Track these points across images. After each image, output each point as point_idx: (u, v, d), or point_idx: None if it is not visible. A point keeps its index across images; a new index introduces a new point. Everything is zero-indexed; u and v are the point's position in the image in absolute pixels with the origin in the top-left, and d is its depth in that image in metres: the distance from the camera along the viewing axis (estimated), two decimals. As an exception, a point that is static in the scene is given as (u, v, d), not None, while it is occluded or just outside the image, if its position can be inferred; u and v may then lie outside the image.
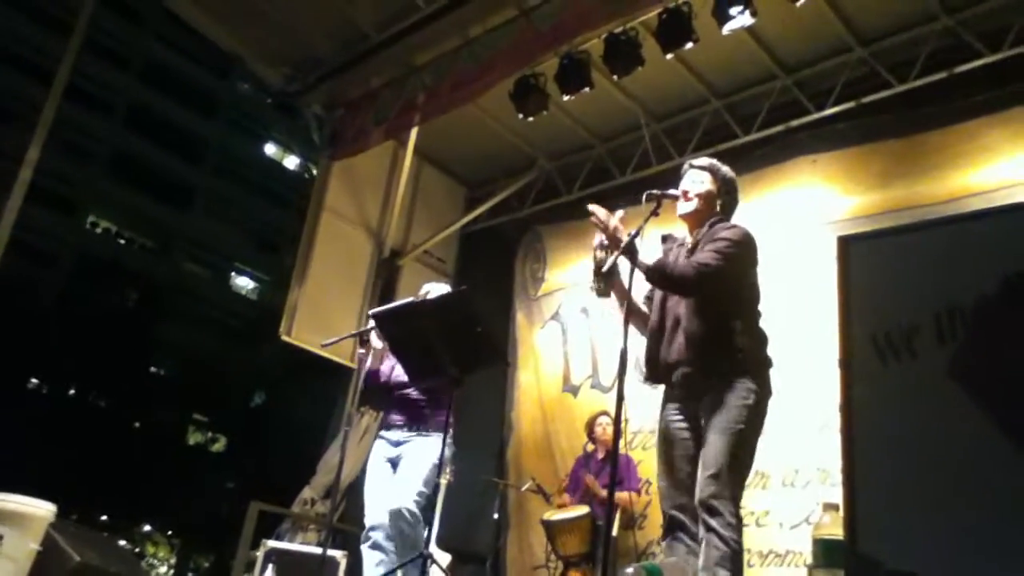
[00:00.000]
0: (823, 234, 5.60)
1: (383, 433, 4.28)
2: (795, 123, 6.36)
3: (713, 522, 2.84)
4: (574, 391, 7.14)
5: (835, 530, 2.30)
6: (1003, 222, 1.51)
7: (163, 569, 24.47)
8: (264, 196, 29.94)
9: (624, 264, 3.11)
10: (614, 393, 3.17)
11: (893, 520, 1.48)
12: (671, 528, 3.06)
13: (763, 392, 3.06)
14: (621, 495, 5.42)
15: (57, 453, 18.64)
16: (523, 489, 6.27)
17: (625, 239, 3.09)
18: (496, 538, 6.61)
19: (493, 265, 8.13)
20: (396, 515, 3.82)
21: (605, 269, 3.09)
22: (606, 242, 3.16)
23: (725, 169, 3.43)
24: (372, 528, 4.00)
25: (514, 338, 7.76)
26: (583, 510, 5.48)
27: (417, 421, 4.10)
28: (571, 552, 5.44)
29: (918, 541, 1.45)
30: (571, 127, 7.50)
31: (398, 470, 4.05)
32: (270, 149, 32.33)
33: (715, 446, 2.94)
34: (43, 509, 3.88)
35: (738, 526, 2.88)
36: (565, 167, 7.95)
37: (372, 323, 3.90)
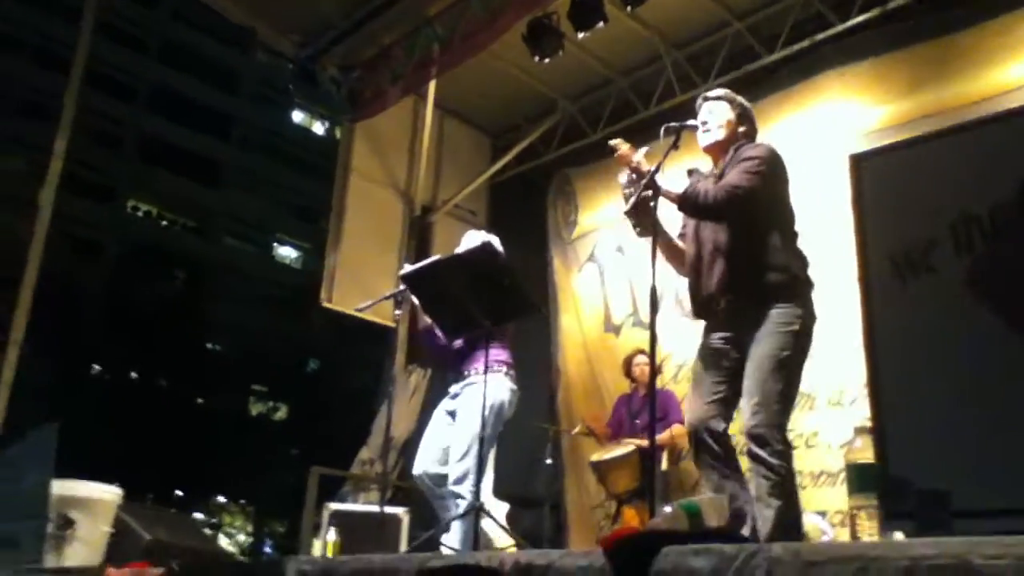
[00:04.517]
0: (857, 146, 5.44)
1: (447, 389, 4.27)
2: (819, 36, 6.16)
3: (761, 452, 2.85)
4: (616, 331, 7.14)
5: (867, 453, 2.28)
6: (1015, 125, 1.45)
7: (241, 537, 25.35)
8: (296, 164, 30.10)
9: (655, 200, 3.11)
10: (657, 328, 3.20)
11: (923, 439, 1.46)
12: (698, 449, 3.07)
13: (808, 316, 3.03)
14: (664, 435, 5.44)
15: (127, 436, 19.29)
16: (574, 432, 6.33)
17: (648, 170, 3.09)
18: (553, 482, 6.69)
19: (525, 213, 8.09)
20: (434, 476, 3.87)
21: (630, 205, 3.08)
22: (633, 177, 3.15)
23: (740, 98, 3.37)
24: (419, 478, 4.05)
25: (553, 284, 7.76)
26: (630, 447, 5.50)
27: (468, 369, 4.07)
28: (622, 489, 5.49)
29: (950, 458, 1.43)
30: (590, 65, 7.36)
31: (455, 424, 4.06)
32: (297, 117, 32.40)
33: (759, 374, 2.93)
34: (111, 493, 4.05)
35: (786, 452, 2.89)
36: (588, 106, 7.83)
37: (403, 284, 3.93)
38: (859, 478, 2.42)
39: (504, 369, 3.98)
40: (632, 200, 3.06)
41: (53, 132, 6.98)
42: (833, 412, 5.30)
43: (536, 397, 7.24)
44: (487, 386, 3.69)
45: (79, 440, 17.49)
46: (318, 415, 21.81)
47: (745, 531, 2.90)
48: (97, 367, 22.96)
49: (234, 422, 23.75)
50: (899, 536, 1.55)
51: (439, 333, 4.13)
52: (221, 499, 24.99)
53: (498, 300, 3.56)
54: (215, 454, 21.30)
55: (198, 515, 24.93)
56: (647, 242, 3.17)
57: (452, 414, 4.10)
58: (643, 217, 3.10)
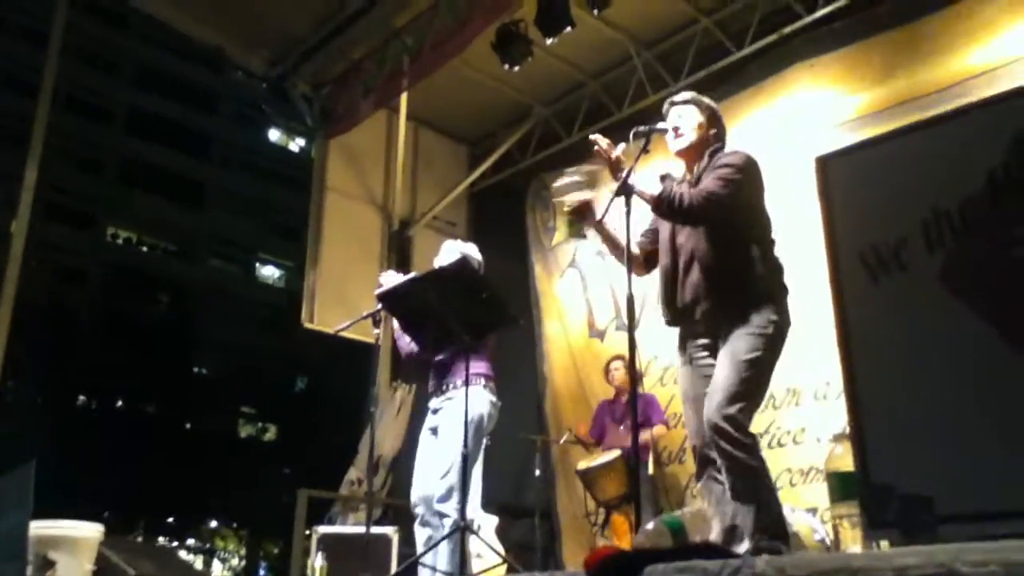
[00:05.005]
0: (833, 137, 5.48)
1: (429, 404, 4.20)
2: (788, 30, 6.17)
3: (727, 446, 2.80)
4: (600, 336, 7.10)
5: (847, 460, 2.24)
6: (979, 118, 1.42)
7: (235, 561, 25.13)
8: (275, 182, 29.94)
9: (615, 205, 3.10)
10: (639, 332, 3.17)
11: (903, 443, 1.42)
12: (702, 466, 3.03)
13: (782, 320, 3.00)
14: (645, 435, 5.41)
15: (116, 464, 19.09)
16: (561, 441, 6.29)
17: (626, 168, 3.07)
18: (544, 492, 6.64)
19: (505, 221, 8.05)
20: (429, 500, 3.81)
21: (570, 206, 3.13)
22: (572, 181, 3.19)
23: (707, 99, 3.35)
24: (415, 504, 3.99)
25: (535, 290, 7.72)
26: (614, 453, 5.47)
27: (449, 384, 3.99)
28: (610, 496, 5.46)
29: (931, 462, 1.40)
30: (561, 69, 7.35)
31: (437, 441, 3.99)
32: (274, 135, 32.28)
33: (727, 371, 2.89)
34: (91, 530, 3.96)
35: (755, 446, 2.85)
36: (562, 111, 7.81)
37: (379, 304, 3.88)
38: (841, 486, 2.37)
39: (483, 382, 3.91)
40: (572, 204, 3.09)
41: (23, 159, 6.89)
42: (819, 407, 5.28)
43: (524, 406, 7.19)
44: (467, 400, 3.63)
45: (65, 473, 17.39)
46: (308, 434, 21.66)
47: (742, 547, 2.85)
48: (83, 397, 22.74)
49: (223, 445, 23.58)
50: (884, 545, 1.52)
51: (401, 348, 4.09)
52: (214, 524, 24.76)
53: (476, 313, 3.51)
54: (206, 478, 21.11)
55: (191, 541, 24.74)
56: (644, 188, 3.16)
57: (434, 431, 4.04)
58: (583, 218, 3.16)
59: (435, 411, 4.04)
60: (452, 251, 4.15)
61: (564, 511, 6.93)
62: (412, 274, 3.85)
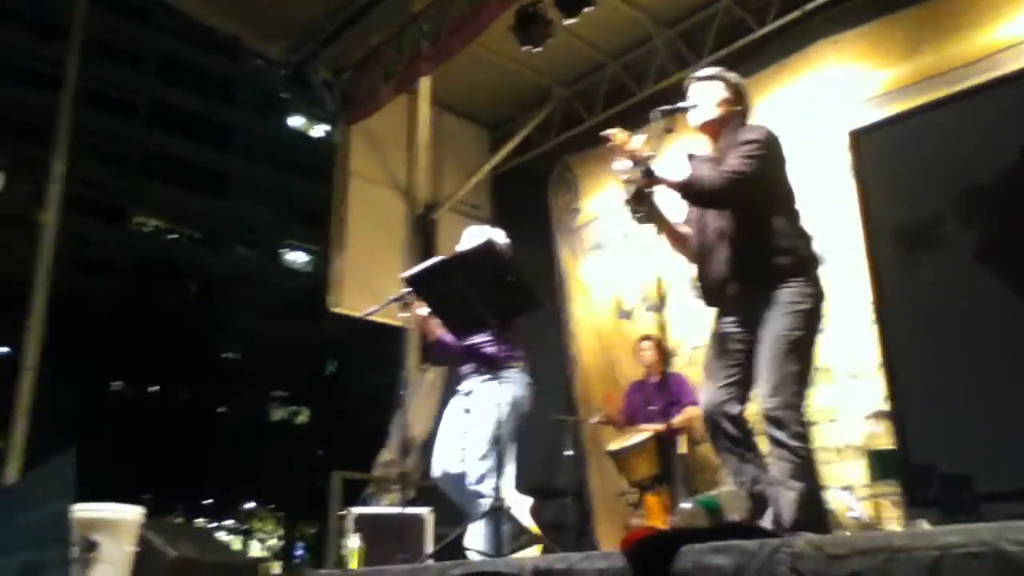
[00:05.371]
0: (859, 113, 5.41)
1: (458, 387, 4.24)
2: (810, 6, 6.07)
3: (780, 434, 2.80)
4: (628, 316, 7.09)
5: (886, 439, 2.22)
6: (1010, 92, 1.39)
7: (272, 541, 25.50)
8: (298, 169, 30.08)
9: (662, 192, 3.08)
10: (667, 312, 3.18)
11: (943, 420, 1.41)
12: (713, 433, 3.04)
13: (817, 294, 2.99)
14: (677, 419, 5.40)
15: (152, 450, 19.40)
16: (592, 422, 6.30)
17: (647, 158, 3.04)
18: (576, 472, 6.66)
19: (528, 203, 8.04)
20: (453, 478, 3.85)
21: (631, 194, 3.03)
22: (629, 165, 3.10)
23: (732, 74, 3.32)
24: (438, 480, 4.03)
25: (561, 272, 7.71)
26: (645, 434, 5.46)
27: (482, 366, 4.05)
28: (642, 476, 5.45)
29: (972, 439, 1.39)
30: (581, 49, 7.30)
31: (471, 422, 4.02)
32: (295, 121, 32.37)
33: (772, 356, 2.89)
34: (132, 512, 4.05)
35: (805, 433, 2.85)
36: (582, 92, 7.77)
37: (406, 287, 3.90)
38: (880, 465, 2.35)
39: (519, 364, 3.95)
40: (630, 190, 3.01)
41: (50, 153, 6.99)
42: (853, 385, 5.22)
43: (553, 388, 7.21)
44: (503, 383, 3.67)
45: (105, 459, 17.71)
46: (339, 417, 21.86)
47: (768, 515, 2.86)
48: (117, 384, 23.09)
49: (256, 429, 23.85)
50: (924, 524, 1.51)
51: (448, 340, 4.10)
52: (250, 506, 25.13)
53: (502, 297, 3.52)
54: (240, 462, 21.39)
55: (229, 522, 25.14)
56: (653, 226, 3.13)
57: (467, 411, 4.07)
58: (643, 205, 3.06)
59: (468, 392, 4.08)
60: (477, 235, 4.15)
61: (596, 491, 6.96)
62: (438, 257, 3.87)
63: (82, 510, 3.87)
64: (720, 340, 3.11)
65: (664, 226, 3.24)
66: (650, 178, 3.04)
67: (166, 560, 4.04)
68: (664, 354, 5.75)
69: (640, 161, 3.04)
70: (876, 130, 1.38)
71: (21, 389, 6.41)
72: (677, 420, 5.37)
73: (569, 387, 7.36)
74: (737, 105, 3.26)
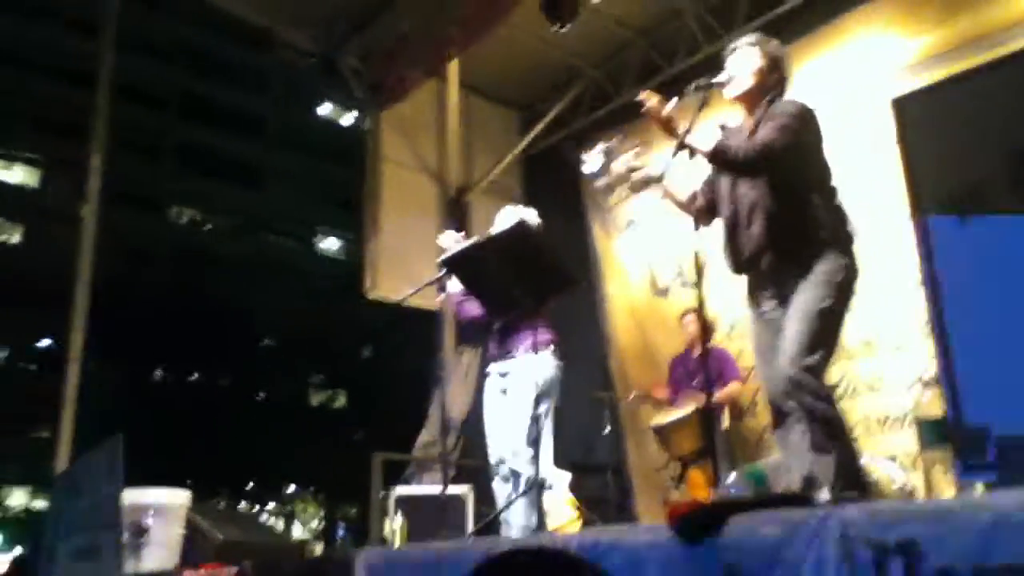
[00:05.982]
0: (898, 82, 5.30)
1: (491, 368, 4.31)
2: (844, -26, 5.96)
3: (807, 399, 2.80)
4: (663, 293, 7.06)
5: (935, 407, 2.19)
6: None
7: (314, 524, 25.92)
8: (330, 157, 30.27)
9: (676, 160, 3.07)
10: (705, 287, 3.18)
11: (995, 385, 1.39)
12: (778, 417, 3.03)
13: (852, 268, 2.97)
14: (722, 394, 5.40)
15: (195, 436, 19.77)
16: (628, 400, 6.31)
17: (680, 128, 3.03)
18: (615, 449, 6.67)
19: (561, 183, 7.99)
20: (508, 454, 3.91)
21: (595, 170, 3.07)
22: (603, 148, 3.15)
23: (773, 43, 3.27)
24: (499, 462, 4.10)
25: (595, 251, 7.68)
26: (689, 408, 5.46)
27: (517, 347, 4.10)
28: (686, 451, 5.45)
29: (1022, 398, 1.36)
30: (610, 27, 7.24)
31: (505, 404, 4.09)
32: (326, 110, 32.53)
33: (799, 323, 2.88)
34: (181, 496, 4.14)
35: (831, 397, 2.85)
36: (612, 70, 7.70)
37: (443, 269, 3.93)
38: (931, 432, 2.31)
39: (551, 347, 4.00)
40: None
41: (89, 148, 7.12)
42: (896, 355, 5.15)
43: (589, 367, 7.21)
44: (537, 365, 3.71)
45: (149, 445, 18.05)
46: (377, 400, 22.08)
47: (820, 498, 2.85)
48: (160, 372, 23.54)
49: (296, 413, 24.20)
50: (979, 489, 1.49)
51: (480, 317, 4.14)
52: (292, 488, 25.53)
53: (538, 278, 3.53)
54: (281, 446, 21.70)
55: (272, 504, 25.59)
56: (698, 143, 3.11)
57: (504, 391, 4.13)
58: (601, 175, 3.11)
59: (503, 374, 4.13)
60: (510, 216, 4.18)
61: (635, 467, 6.97)
62: (474, 238, 3.89)
63: (132, 495, 3.97)
64: (764, 325, 3.10)
65: (670, 196, 3.28)
66: (685, 148, 3.04)
67: (214, 542, 4.14)
68: (707, 328, 5.77)
69: (671, 129, 3.03)
70: (919, 97, 1.34)
71: (66, 380, 6.56)
72: (719, 395, 5.36)
73: (605, 366, 7.35)
74: (773, 74, 3.23)
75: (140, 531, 3.87)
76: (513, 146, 8.18)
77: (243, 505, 23.71)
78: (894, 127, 4.52)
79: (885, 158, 4.93)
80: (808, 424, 2.81)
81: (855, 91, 5.57)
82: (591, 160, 3.18)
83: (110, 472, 4.01)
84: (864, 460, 4.62)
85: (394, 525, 4.48)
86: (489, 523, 3.97)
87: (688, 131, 3.02)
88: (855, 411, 5.23)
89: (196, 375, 23.99)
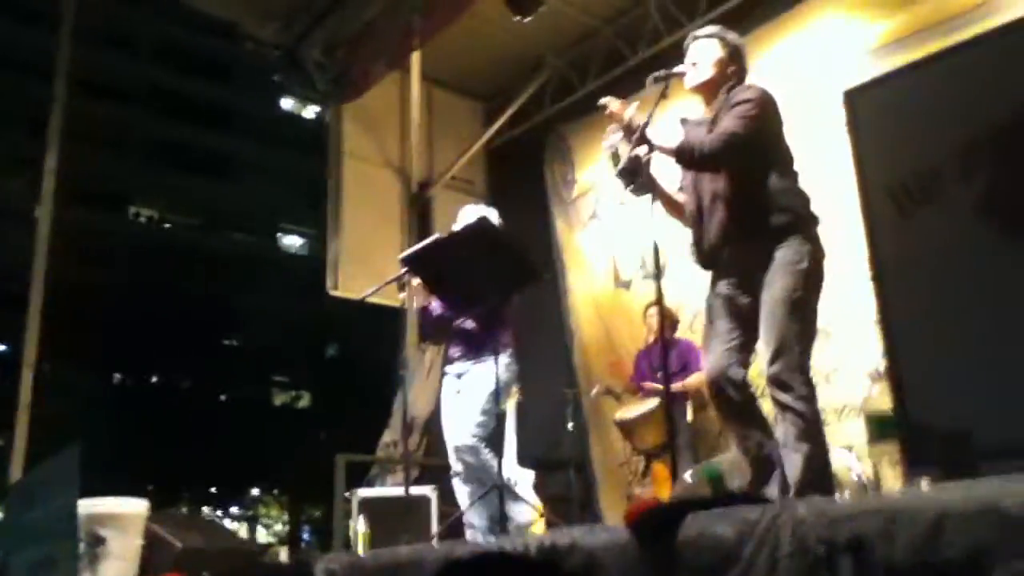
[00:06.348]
0: (859, 67, 5.39)
1: (447, 368, 4.32)
2: (802, -39, 6.00)
3: (786, 397, 2.79)
4: (626, 286, 7.08)
5: (884, 401, 2.19)
6: (1006, 43, 1.35)
7: (279, 526, 25.69)
8: (294, 150, 29.93)
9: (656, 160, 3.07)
10: (667, 280, 3.19)
11: (942, 379, 1.39)
12: (717, 399, 3.03)
13: (816, 250, 2.96)
14: (688, 381, 5.41)
15: (156, 439, 19.48)
16: (593, 394, 6.31)
17: (641, 126, 3.03)
18: (578, 444, 6.67)
19: (523, 176, 7.99)
20: (457, 451, 3.91)
21: (621, 166, 3.03)
22: (619, 136, 3.10)
23: (731, 35, 3.28)
24: (458, 462, 4.10)
25: (558, 245, 7.68)
26: (653, 402, 5.47)
27: (474, 349, 4.12)
28: (650, 445, 5.47)
29: (971, 396, 1.37)
30: (573, 16, 7.22)
31: (459, 402, 4.11)
32: (287, 103, 32.16)
33: (774, 318, 2.86)
34: (138, 506, 4.05)
35: (810, 395, 2.83)
36: (576, 60, 7.67)
37: (404, 267, 3.90)
38: (879, 427, 2.33)
39: (509, 351, 4.02)
40: (622, 162, 3.01)
41: (43, 145, 6.93)
42: (851, 345, 5.21)
43: (552, 361, 7.22)
44: (493, 366, 3.72)
45: (109, 449, 17.76)
46: (341, 399, 21.95)
47: (774, 480, 2.87)
48: (119, 375, 23.15)
49: (260, 413, 23.96)
50: (924, 484, 1.50)
51: (434, 312, 4.14)
52: (255, 491, 25.28)
53: (501, 272, 3.51)
54: (244, 448, 21.49)
55: (234, 509, 25.31)
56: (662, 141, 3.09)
57: (458, 392, 4.15)
58: (636, 176, 3.04)
59: (459, 375, 4.14)
60: (472, 215, 4.18)
61: (599, 463, 6.98)
62: (435, 236, 3.87)
63: (88, 505, 3.88)
64: (718, 304, 3.09)
65: (659, 194, 3.24)
66: (645, 144, 3.04)
67: (174, 551, 4.06)
68: (671, 320, 5.80)
69: (634, 129, 3.03)
70: (870, 88, 1.34)
71: (21, 386, 6.39)
72: (680, 384, 5.37)
73: (569, 360, 7.35)
74: (732, 65, 3.23)
75: (97, 542, 3.78)
76: (477, 139, 8.12)
77: (205, 509, 23.45)
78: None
79: (846, 144, 4.99)
80: (780, 423, 2.82)
81: (817, 77, 5.62)
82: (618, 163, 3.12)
83: (66, 482, 3.91)
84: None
85: (357, 528, 4.42)
86: (451, 525, 3.95)
87: (647, 124, 3.01)
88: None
89: (157, 377, 23.64)
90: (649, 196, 3.18)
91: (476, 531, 3.85)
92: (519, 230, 7.62)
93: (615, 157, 3.08)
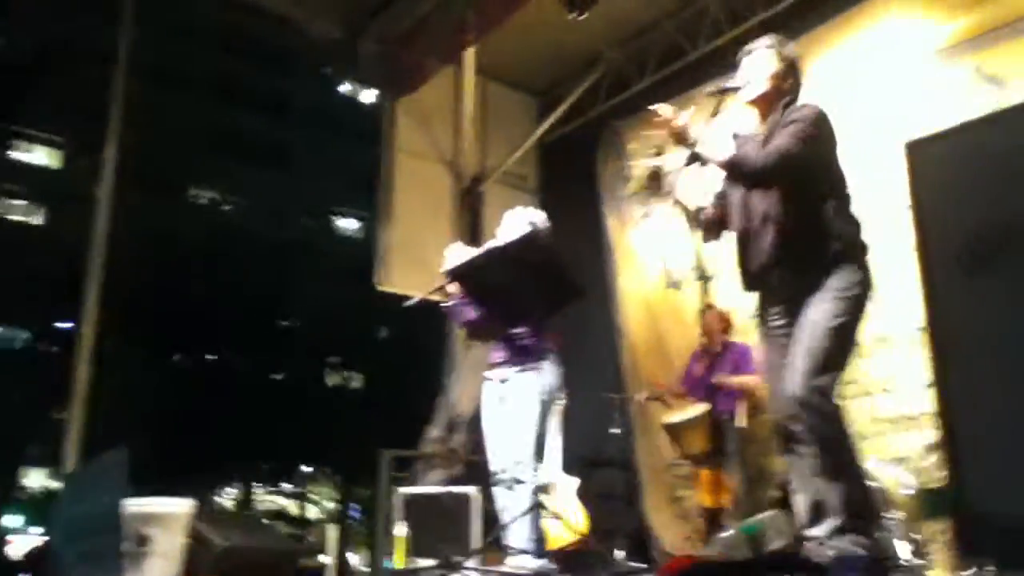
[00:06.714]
0: (926, 67, 5.32)
1: (489, 373, 4.25)
2: (872, -44, 5.77)
3: (814, 420, 2.71)
4: (677, 286, 6.94)
5: (940, 474, 2.04)
6: None
7: (330, 505, 26.09)
8: (350, 137, 30.15)
9: (688, 172, 2.99)
10: (721, 283, 3.12)
11: (1003, 458, 1.27)
12: (784, 438, 2.94)
13: (866, 280, 2.86)
14: (745, 379, 5.31)
15: (212, 417, 19.88)
16: (639, 399, 6.23)
17: (693, 136, 2.95)
18: (624, 446, 6.59)
19: (576, 173, 7.88)
20: (500, 465, 3.87)
21: (682, 166, 2.97)
22: (654, 162, 3.06)
23: (788, 47, 3.17)
24: (501, 470, 4.04)
25: (609, 242, 7.57)
26: (701, 408, 5.38)
27: (518, 356, 4.04)
28: (696, 451, 5.39)
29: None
30: (630, 9, 7.07)
31: (502, 412, 4.04)
32: (345, 97, 32.36)
33: (810, 340, 2.79)
34: (183, 505, 4.11)
35: (836, 415, 2.74)
36: (633, 54, 7.51)
37: (448, 278, 3.86)
38: (931, 504, 2.18)
39: (552, 355, 3.95)
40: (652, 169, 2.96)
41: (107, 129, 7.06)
42: (910, 353, 5.00)
43: (602, 361, 7.14)
44: (537, 373, 3.65)
45: (167, 427, 18.23)
46: (394, 381, 22.07)
47: (826, 525, 2.75)
48: (178, 355, 23.67)
49: (313, 394, 24.29)
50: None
51: (467, 313, 4.10)
52: (307, 469, 25.68)
53: (545, 288, 3.43)
54: (297, 426, 21.77)
55: (286, 485, 25.77)
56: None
57: (503, 399, 4.07)
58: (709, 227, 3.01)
59: (503, 380, 4.07)
60: (518, 219, 4.10)
61: (644, 465, 6.90)
62: (479, 250, 3.82)
63: (134, 504, 3.95)
64: (773, 340, 3.01)
65: (705, 222, 3.19)
66: (696, 159, 2.97)
67: (217, 549, 4.11)
68: (725, 324, 5.72)
69: (684, 138, 2.96)
70: (934, 141, 1.23)
71: (78, 365, 6.53)
72: (730, 380, 5.27)
73: (617, 359, 7.25)
74: (788, 78, 3.12)
75: (142, 540, 3.84)
76: (530, 133, 8.04)
77: (258, 487, 23.92)
78: (932, 105, 4.39)
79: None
80: (815, 448, 2.72)
81: (883, 75, 5.46)
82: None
83: (114, 480, 3.99)
84: (871, 464, 4.53)
85: (397, 535, 4.41)
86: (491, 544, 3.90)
87: (696, 142, 2.94)
88: (867, 411, 5.11)
89: (214, 358, 24.12)
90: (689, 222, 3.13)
91: (514, 547, 3.81)
92: (570, 228, 7.52)
93: (656, 177, 3.01)
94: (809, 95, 3.18)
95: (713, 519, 5.54)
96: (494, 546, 3.83)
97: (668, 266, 7.03)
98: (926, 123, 5.18)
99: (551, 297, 3.46)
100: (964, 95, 5.14)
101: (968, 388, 1.22)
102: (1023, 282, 1.23)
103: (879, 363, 5.21)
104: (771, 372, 3.02)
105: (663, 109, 3.04)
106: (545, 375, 3.83)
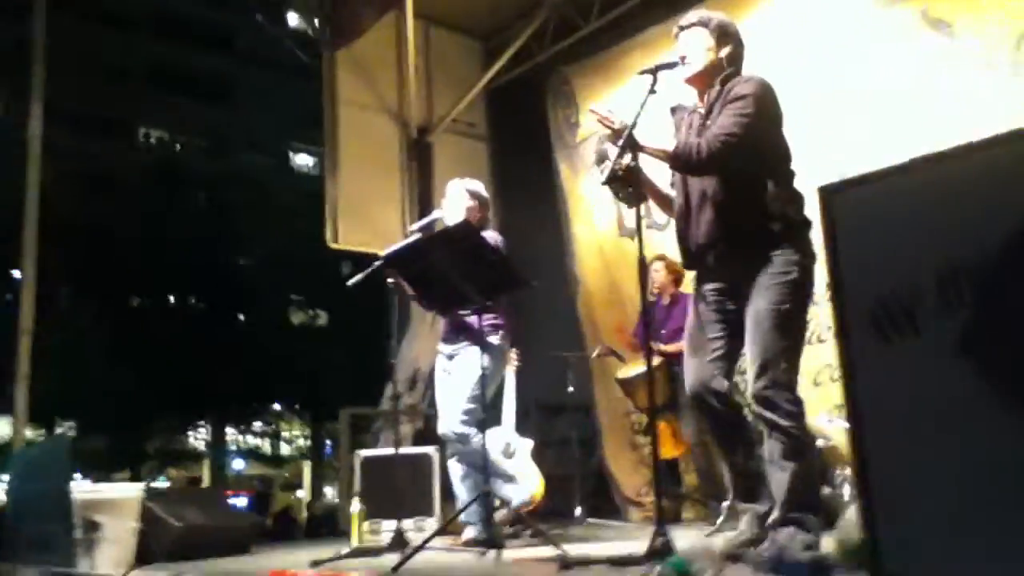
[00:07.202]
0: (873, 10, 5.28)
1: (439, 346, 4.27)
2: None
3: (772, 415, 2.73)
4: (631, 234, 6.91)
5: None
6: (1005, 155, 1.19)
7: (301, 441, 26.30)
8: (299, 73, 29.30)
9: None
10: (670, 233, 3.09)
11: (926, 542, 1.26)
12: (700, 411, 3.04)
13: (806, 261, 2.85)
14: (672, 346, 5.34)
15: (177, 360, 19.71)
16: (594, 355, 6.26)
17: (632, 137, 2.89)
18: (583, 393, 6.65)
19: (526, 117, 7.74)
20: (446, 436, 3.93)
21: (607, 176, 2.89)
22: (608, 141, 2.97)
23: (718, 17, 3.07)
24: (448, 440, 4.09)
25: (562, 190, 7.51)
26: (654, 361, 5.39)
27: (464, 332, 4.06)
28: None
29: (953, 555, 1.25)
30: (575, -49, 6.85)
31: (448, 385, 4.07)
32: (293, 20, 31.35)
33: (760, 333, 2.77)
34: (132, 490, 4.11)
35: (798, 412, 2.76)
36: (578, -2, 7.31)
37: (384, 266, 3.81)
38: (846, 555, 2.19)
39: (499, 332, 3.96)
40: (606, 170, 2.86)
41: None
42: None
43: (559, 310, 7.15)
44: (483, 350, 3.71)
45: (131, 373, 18.04)
46: (358, 317, 21.98)
47: (763, 496, 2.82)
48: (137, 299, 23.32)
49: (278, 332, 24.15)
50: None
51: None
52: (276, 407, 25.74)
53: (486, 275, 3.39)
54: (265, 364, 21.69)
55: (257, 425, 25.86)
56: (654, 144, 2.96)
57: (448, 373, 4.13)
58: (628, 185, 2.91)
59: (450, 356, 4.09)
60: (456, 190, 4.06)
61: (603, 411, 7.00)
62: (414, 237, 3.77)
63: (81, 491, 3.93)
64: (702, 312, 3.00)
65: (653, 195, 3.14)
66: (633, 147, 2.90)
67: (173, 531, 4.11)
68: (676, 275, 5.69)
69: (621, 134, 2.88)
70: (851, 187, 1.18)
71: (22, 311, 6.39)
72: (670, 347, 5.29)
73: (574, 308, 7.28)
74: (723, 49, 3.04)
75: (92, 527, 3.83)
76: (476, 79, 7.83)
77: (229, 428, 23.92)
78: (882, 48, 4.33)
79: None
80: (767, 439, 2.76)
81: (826, 25, 5.39)
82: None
83: (58, 467, 3.97)
84: (822, 421, 4.62)
85: (352, 510, 4.45)
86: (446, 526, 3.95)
87: (634, 126, 2.86)
88: (819, 358, 5.18)
89: (172, 299, 23.81)
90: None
91: (470, 527, 3.87)
92: (522, 175, 7.47)
93: (602, 162, 2.93)
94: (751, 45, 3.12)
95: (671, 470, 5.68)
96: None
97: (621, 214, 6.98)
98: (871, 71, 5.22)
99: (491, 285, 3.42)
100: (910, 40, 5.10)
101: (882, 466, 1.20)
102: (936, 347, 1.20)
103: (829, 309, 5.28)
104: (691, 340, 3.02)
105: (599, 109, 2.98)
106: (490, 350, 3.85)
